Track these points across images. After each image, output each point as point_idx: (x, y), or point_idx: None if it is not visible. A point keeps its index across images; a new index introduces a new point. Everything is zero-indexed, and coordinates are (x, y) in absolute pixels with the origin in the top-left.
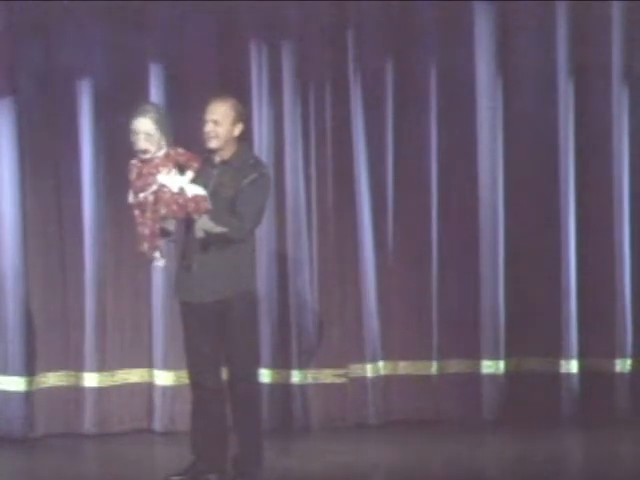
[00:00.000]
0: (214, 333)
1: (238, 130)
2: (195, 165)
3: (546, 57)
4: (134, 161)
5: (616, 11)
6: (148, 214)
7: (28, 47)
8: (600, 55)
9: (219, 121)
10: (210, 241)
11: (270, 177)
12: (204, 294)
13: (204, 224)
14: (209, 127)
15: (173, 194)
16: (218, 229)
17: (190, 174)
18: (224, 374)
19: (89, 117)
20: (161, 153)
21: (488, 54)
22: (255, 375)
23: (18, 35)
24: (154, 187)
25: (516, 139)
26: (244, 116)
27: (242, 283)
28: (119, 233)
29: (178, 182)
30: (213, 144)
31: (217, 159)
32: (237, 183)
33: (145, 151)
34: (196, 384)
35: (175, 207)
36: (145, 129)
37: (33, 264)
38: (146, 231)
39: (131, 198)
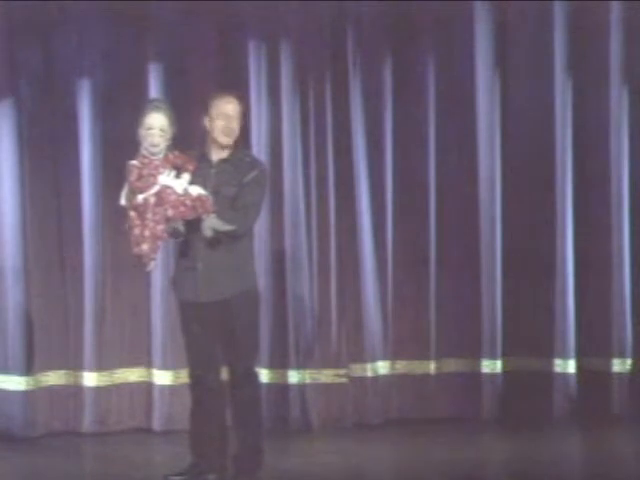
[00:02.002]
0: (215, 332)
1: (240, 127)
2: (190, 168)
3: (544, 55)
4: (134, 162)
5: (614, 10)
6: (149, 215)
7: (28, 47)
8: (598, 53)
9: (234, 117)
10: (218, 239)
11: (267, 173)
12: (210, 293)
13: (213, 223)
14: (229, 122)
15: (179, 196)
16: (226, 227)
17: (187, 176)
18: (224, 373)
19: (89, 117)
20: (160, 155)
21: (487, 53)
22: (256, 374)
23: (18, 35)
24: (156, 188)
25: (515, 138)
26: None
27: (245, 281)
28: (118, 233)
29: (180, 183)
30: (230, 140)
31: (214, 158)
32: (238, 181)
33: (157, 145)
34: (196, 384)
35: (183, 208)
36: (160, 125)
37: (33, 264)
38: (146, 233)
39: (124, 200)
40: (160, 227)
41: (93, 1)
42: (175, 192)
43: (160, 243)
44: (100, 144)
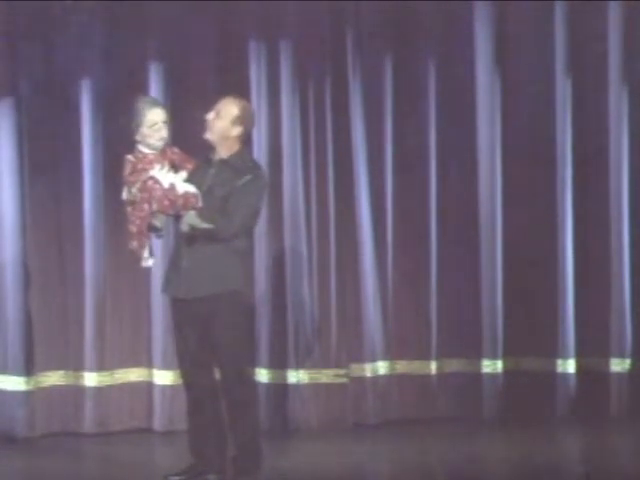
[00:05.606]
0: (202, 331)
1: (237, 131)
2: (189, 167)
3: (544, 56)
4: (129, 156)
5: (613, 11)
6: (137, 211)
7: (28, 48)
8: (598, 53)
9: (220, 114)
10: (195, 236)
11: (265, 179)
12: (189, 290)
13: (190, 219)
14: (210, 116)
15: (164, 190)
16: (204, 225)
17: (183, 174)
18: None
19: (89, 117)
20: (157, 150)
21: (487, 54)
22: (247, 375)
23: (18, 35)
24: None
25: (515, 138)
26: (248, 120)
27: (228, 282)
28: (118, 232)
29: (170, 178)
30: (208, 135)
31: (216, 158)
32: (232, 183)
33: (164, 138)
34: (189, 383)
35: (166, 202)
36: (162, 118)
37: (33, 264)
38: (134, 229)
39: (125, 194)
40: (146, 223)
41: (94, 1)
42: (162, 186)
43: (147, 239)
44: (101, 143)
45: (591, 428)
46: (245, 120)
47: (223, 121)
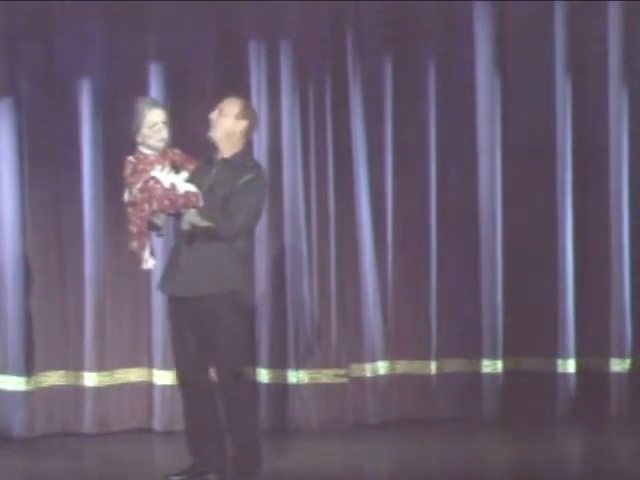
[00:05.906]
0: (198, 330)
1: (242, 126)
2: (190, 168)
3: (544, 56)
4: (130, 157)
5: (613, 11)
6: (137, 211)
7: (28, 47)
8: (598, 54)
9: (224, 112)
10: (196, 235)
11: (266, 178)
12: (186, 289)
13: (191, 217)
14: (213, 115)
15: (165, 190)
16: (204, 223)
17: (184, 175)
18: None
19: (89, 117)
20: (158, 150)
21: (487, 54)
22: (244, 376)
23: (18, 35)
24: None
25: (515, 138)
26: (252, 115)
27: (227, 282)
28: (118, 233)
29: (170, 178)
30: (212, 133)
31: (218, 157)
32: (233, 182)
33: (165, 138)
34: (185, 383)
35: (167, 202)
36: (162, 119)
37: (33, 264)
38: (135, 229)
39: (126, 196)
40: (146, 223)
41: (94, 1)
42: (162, 186)
43: (147, 240)
44: (101, 143)
45: (591, 428)
46: (248, 115)
47: (227, 118)
